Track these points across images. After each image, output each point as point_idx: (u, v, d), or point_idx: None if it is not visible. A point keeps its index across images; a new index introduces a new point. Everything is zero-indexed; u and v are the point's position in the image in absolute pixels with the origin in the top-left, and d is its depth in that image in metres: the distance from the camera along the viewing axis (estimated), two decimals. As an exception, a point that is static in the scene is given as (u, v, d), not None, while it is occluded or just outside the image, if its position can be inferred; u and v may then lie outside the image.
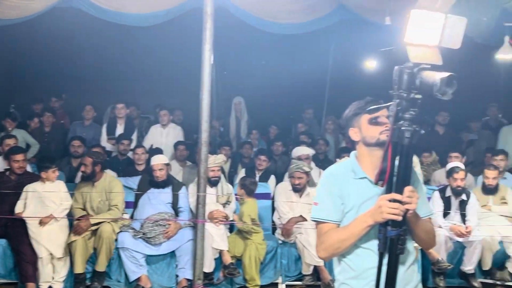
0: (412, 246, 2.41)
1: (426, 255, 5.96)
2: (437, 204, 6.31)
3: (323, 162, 7.77)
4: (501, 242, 6.14)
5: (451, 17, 2.15)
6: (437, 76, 2.06)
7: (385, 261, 2.16)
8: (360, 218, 2.30)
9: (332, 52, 10.44)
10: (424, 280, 6.09)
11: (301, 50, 10.15)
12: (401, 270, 2.28)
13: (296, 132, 9.63)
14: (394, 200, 2.12)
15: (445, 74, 2.06)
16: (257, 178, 7.08)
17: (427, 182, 7.54)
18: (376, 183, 2.22)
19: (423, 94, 2.14)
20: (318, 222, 2.47)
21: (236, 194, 6.28)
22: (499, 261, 6.19)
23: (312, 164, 7.15)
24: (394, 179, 2.17)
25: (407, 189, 2.13)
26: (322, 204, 2.46)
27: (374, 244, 2.23)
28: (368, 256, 2.33)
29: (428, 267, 6.06)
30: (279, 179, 7.22)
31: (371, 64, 10.84)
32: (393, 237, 2.15)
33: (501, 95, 10.90)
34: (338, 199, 2.44)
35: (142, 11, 6.86)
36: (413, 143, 2.16)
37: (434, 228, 2.50)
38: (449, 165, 6.55)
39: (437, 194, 6.39)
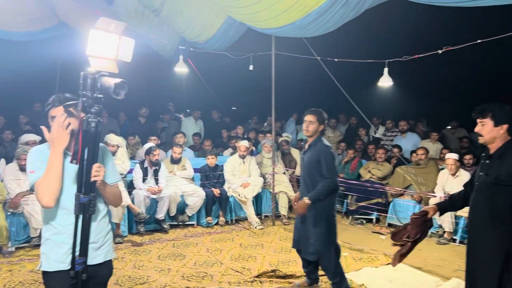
0: (102, 205, 2.33)
1: (130, 210, 5.96)
2: (138, 172, 6.30)
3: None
4: (182, 196, 6.45)
5: (123, 38, 2.13)
6: (112, 81, 2.04)
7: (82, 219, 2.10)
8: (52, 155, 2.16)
9: (61, 57, 9.51)
10: (129, 229, 6.09)
11: (34, 54, 8.96)
12: (94, 224, 2.23)
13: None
14: None
15: (118, 80, 2.05)
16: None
17: (132, 157, 7.48)
18: (71, 162, 2.09)
19: (104, 94, 2.09)
20: (37, 183, 2.16)
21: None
22: (181, 209, 6.53)
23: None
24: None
25: (95, 166, 2.10)
26: (37, 169, 2.17)
27: (72, 206, 2.10)
28: (67, 215, 2.17)
29: (132, 219, 6.05)
30: (10, 162, 6.22)
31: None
32: (85, 202, 2.09)
33: (183, 96, 11.55)
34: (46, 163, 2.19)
35: None
36: (98, 131, 2.11)
37: (120, 191, 2.45)
38: (146, 146, 6.62)
39: (138, 166, 6.37)
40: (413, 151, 7.24)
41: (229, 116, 10.85)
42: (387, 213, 6.71)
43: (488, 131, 2.68)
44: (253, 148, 8.21)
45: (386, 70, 6.05)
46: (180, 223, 6.51)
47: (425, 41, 5.71)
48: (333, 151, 3.98)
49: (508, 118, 2.66)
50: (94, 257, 2.24)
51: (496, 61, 8.27)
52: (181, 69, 7.49)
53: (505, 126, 2.64)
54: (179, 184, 6.60)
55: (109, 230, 2.41)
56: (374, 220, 6.92)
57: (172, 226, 6.42)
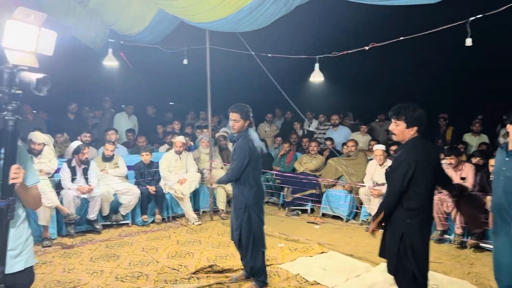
0: (21, 209, 2.18)
1: (59, 212, 5.64)
2: (66, 172, 5.96)
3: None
4: (115, 194, 6.22)
5: (44, 30, 2.00)
6: (33, 77, 1.91)
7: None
8: None
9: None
10: (59, 231, 5.74)
11: None
12: (12, 230, 2.07)
13: None
14: None
15: (41, 75, 1.92)
16: None
17: (61, 156, 7.05)
18: None
19: (23, 90, 1.94)
20: None
21: None
22: (115, 208, 6.29)
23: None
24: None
25: (13, 167, 1.94)
26: None
27: None
28: None
29: (62, 220, 5.72)
30: None
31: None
32: (3, 207, 1.93)
33: (116, 91, 11.03)
34: None
35: None
36: (16, 129, 1.96)
37: (40, 192, 2.30)
38: (74, 144, 6.25)
39: (65, 165, 6.02)
40: (344, 144, 7.56)
41: (166, 111, 10.59)
42: (321, 204, 6.95)
43: (400, 131, 3.03)
44: (191, 143, 8.11)
45: (317, 65, 6.23)
46: (114, 223, 6.27)
47: (353, 38, 5.94)
48: (251, 144, 3.90)
49: (419, 121, 2.99)
50: (13, 265, 2.09)
51: (419, 57, 8.83)
52: (110, 62, 7.16)
53: (415, 128, 3.00)
54: (111, 182, 6.36)
55: (29, 235, 2.26)
56: (309, 211, 7.15)
57: (105, 226, 6.16)
